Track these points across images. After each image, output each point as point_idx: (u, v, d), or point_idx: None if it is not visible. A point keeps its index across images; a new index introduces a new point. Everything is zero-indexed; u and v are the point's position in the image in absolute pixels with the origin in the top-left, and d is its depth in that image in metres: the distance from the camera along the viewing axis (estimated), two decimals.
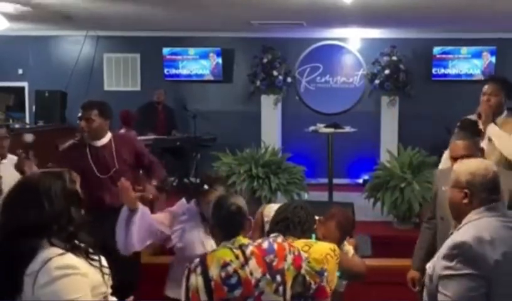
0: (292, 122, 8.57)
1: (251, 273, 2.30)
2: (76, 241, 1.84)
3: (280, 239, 2.45)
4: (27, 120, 8.62)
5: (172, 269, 3.18)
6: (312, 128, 7.03)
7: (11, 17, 6.82)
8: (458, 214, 2.20)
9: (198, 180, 3.27)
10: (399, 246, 5.15)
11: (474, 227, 2.09)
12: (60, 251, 1.78)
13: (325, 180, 7.00)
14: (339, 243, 2.97)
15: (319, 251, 2.66)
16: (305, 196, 6.19)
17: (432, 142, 7.82)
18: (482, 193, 2.13)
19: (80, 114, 3.75)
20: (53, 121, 7.83)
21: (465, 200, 2.15)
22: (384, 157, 6.90)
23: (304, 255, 2.49)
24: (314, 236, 2.82)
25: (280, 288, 2.34)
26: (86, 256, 1.84)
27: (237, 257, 2.33)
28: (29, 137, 3.62)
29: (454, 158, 2.95)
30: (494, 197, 2.16)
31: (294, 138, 8.30)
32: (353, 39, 8.69)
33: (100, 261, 1.88)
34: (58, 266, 1.74)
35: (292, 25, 7.73)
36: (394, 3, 5.94)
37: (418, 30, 8.18)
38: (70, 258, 1.78)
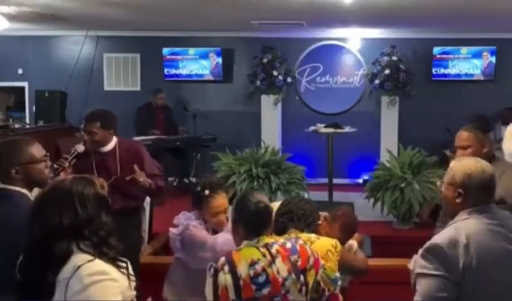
0: (292, 122, 8.57)
1: (278, 272, 2.30)
2: (104, 247, 1.86)
3: (301, 241, 2.46)
4: (27, 120, 8.62)
5: (170, 274, 3.18)
6: (312, 128, 7.03)
7: (11, 17, 6.82)
8: (450, 211, 2.24)
9: (199, 187, 3.24)
10: (399, 246, 5.15)
11: (456, 229, 2.12)
12: (89, 257, 1.80)
13: (325, 180, 7.01)
14: (343, 243, 2.98)
15: (320, 247, 2.67)
16: (306, 196, 6.20)
17: (432, 142, 7.84)
18: (476, 194, 2.16)
19: (82, 125, 3.73)
20: (53, 121, 7.82)
21: (458, 200, 2.18)
22: (384, 157, 6.89)
23: (321, 262, 2.49)
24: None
25: (303, 289, 2.33)
26: (113, 261, 1.86)
27: (264, 255, 2.31)
28: (80, 148, 3.64)
29: (457, 147, 3.10)
30: (487, 198, 2.18)
31: (294, 138, 8.30)
32: (353, 39, 8.69)
33: (127, 267, 1.90)
34: (89, 273, 1.76)
35: (292, 25, 7.73)
36: (394, 3, 5.93)
37: (418, 30, 8.18)
38: (100, 264, 1.81)
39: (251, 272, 2.28)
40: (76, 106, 8.34)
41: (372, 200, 6.00)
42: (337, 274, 2.59)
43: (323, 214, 3.06)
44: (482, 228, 2.11)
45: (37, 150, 2.48)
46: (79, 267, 1.76)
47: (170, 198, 6.95)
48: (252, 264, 2.30)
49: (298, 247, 2.39)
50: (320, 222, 2.95)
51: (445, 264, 2.04)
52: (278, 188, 6.03)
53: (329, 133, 6.87)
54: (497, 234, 2.11)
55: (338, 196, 6.73)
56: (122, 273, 1.87)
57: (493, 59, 8.36)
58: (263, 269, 2.29)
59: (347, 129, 6.99)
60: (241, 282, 2.28)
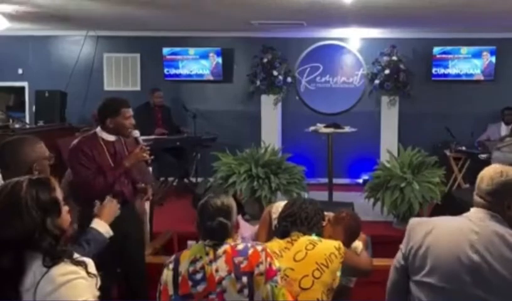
0: (292, 122, 8.57)
1: (216, 270, 2.34)
2: (63, 253, 1.81)
3: (260, 247, 2.42)
4: (27, 120, 8.62)
5: None
6: (312, 128, 7.02)
7: (11, 17, 6.82)
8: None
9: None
10: (399, 246, 5.14)
11: (448, 217, 2.24)
12: (54, 259, 1.77)
13: (325, 180, 7.00)
14: (346, 246, 2.96)
15: (323, 249, 2.66)
16: (306, 196, 6.19)
17: (432, 142, 7.85)
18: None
19: (128, 114, 3.75)
20: (53, 121, 7.83)
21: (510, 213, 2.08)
22: (384, 157, 6.89)
23: (278, 272, 2.41)
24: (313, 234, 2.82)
25: (245, 290, 2.32)
26: (76, 263, 1.82)
27: (207, 254, 2.37)
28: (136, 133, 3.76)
29: None
30: None
31: (294, 138, 8.30)
32: (353, 39, 8.69)
33: (86, 266, 1.85)
34: (61, 273, 1.73)
35: (292, 25, 7.72)
36: (394, 3, 5.93)
37: (418, 30, 8.18)
38: (68, 264, 1.78)
39: (191, 269, 2.35)
40: (76, 106, 8.36)
41: (372, 200, 6.00)
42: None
43: (327, 214, 3.04)
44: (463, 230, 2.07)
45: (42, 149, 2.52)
46: (49, 268, 1.73)
47: (170, 198, 6.96)
48: (193, 261, 2.36)
49: (250, 251, 2.38)
50: (324, 223, 2.93)
51: (406, 238, 2.23)
52: (278, 188, 6.03)
53: (329, 133, 6.86)
54: (469, 241, 2.03)
55: (338, 196, 6.72)
56: (86, 272, 1.83)
57: (493, 59, 8.35)
58: (202, 267, 2.34)
59: (347, 129, 6.98)
60: (180, 278, 2.34)
